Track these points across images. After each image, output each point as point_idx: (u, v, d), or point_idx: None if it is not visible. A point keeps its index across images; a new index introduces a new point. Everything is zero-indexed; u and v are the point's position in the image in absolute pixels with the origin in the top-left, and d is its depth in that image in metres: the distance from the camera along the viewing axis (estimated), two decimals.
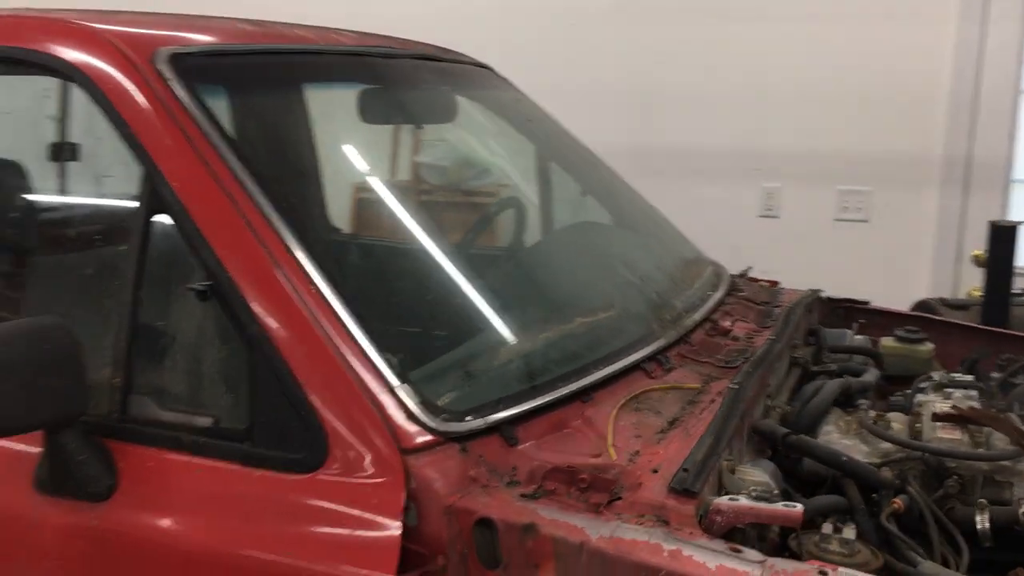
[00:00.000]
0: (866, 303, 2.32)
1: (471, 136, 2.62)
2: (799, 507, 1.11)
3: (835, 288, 2.42)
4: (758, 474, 1.22)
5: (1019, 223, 2.97)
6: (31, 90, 1.69)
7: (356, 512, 1.11)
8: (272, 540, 1.13)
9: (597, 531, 1.07)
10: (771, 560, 1.04)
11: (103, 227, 1.61)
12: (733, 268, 2.36)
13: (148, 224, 1.27)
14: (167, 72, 1.33)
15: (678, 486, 1.13)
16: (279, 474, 1.16)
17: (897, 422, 1.53)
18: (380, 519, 1.09)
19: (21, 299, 1.54)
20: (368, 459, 1.13)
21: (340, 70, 1.71)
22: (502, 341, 1.39)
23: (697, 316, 1.70)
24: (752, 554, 1.05)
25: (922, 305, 3.07)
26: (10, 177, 1.89)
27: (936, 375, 1.75)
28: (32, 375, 1.12)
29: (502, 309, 1.43)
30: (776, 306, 2.00)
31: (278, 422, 1.17)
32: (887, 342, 2.03)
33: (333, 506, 1.12)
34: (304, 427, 1.15)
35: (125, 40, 1.36)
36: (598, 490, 1.14)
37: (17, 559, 1.25)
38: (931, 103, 3.71)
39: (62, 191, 2.03)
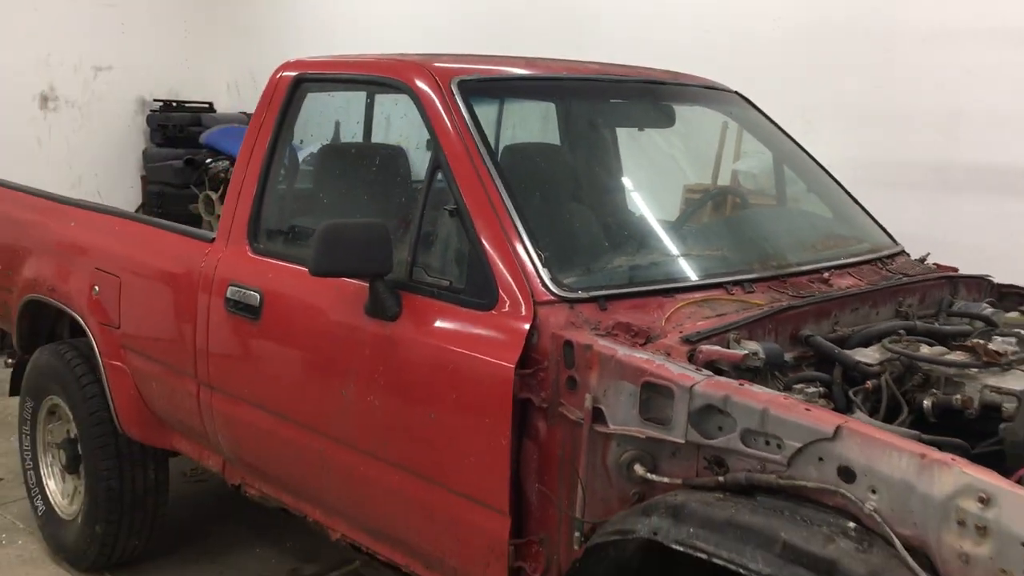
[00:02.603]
0: None
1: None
2: (743, 352, 1.80)
3: None
4: (752, 345, 1.91)
5: None
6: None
7: (506, 331, 2.01)
8: (467, 341, 2.07)
9: (623, 351, 1.86)
10: (716, 380, 1.76)
11: (414, 181, 2.68)
12: None
13: (433, 176, 2.28)
14: (455, 90, 2.34)
15: (685, 338, 1.88)
16: (475, 311, 2.10)
17: (927, 347, 2.07)
18: (516, 336, 1.98)
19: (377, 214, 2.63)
20: (516, 305, 2.03)
21: (573, 90, 2.63)
22: (617, 257, 2.22)
23: (806, 267, 2.35)
24: (707, 372, 1.78)
25: None
26: (401, 161, 3.04)
27: (1005, 329, 2.21)
28: (366, 248, 2.17)
29: (625, 242, 2.27)
30: (909, 276, 2.52)
31: (478, 284, 2.11)
32: (1011, 314, 2.45)
33: (496, 328, 2.04)
34: (489, 288, 2.08)
35: (438, 72, 2.39)
36: (640, 336, 1.93)
37: (352, 349, 2.32)
38: None
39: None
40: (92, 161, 7.14)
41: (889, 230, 2.96)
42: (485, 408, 2.00)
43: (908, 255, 2.83)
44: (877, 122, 4.58)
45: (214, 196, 6.44)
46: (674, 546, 1.65)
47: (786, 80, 4.79)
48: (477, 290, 2.11)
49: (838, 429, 1.58)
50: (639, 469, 1.82)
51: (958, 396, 1.85)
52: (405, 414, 2.20)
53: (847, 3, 4.65)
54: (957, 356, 2.00)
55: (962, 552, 1.43)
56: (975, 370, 1.92)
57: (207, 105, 7.69)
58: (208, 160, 6.65)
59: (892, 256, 2.70)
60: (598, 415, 1.87)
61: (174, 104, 7.54)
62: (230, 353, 2.74)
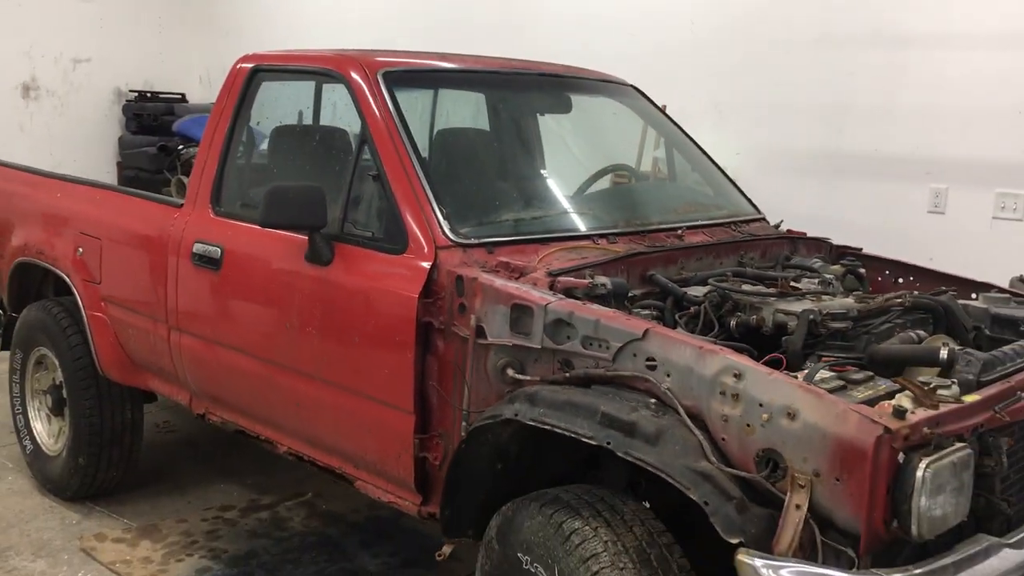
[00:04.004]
0: (860, 249, 3.26)
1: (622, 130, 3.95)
2: (586, 282, 2.35)
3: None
4: (602, 278, 2.44)
5: None
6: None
7: (413, 270, 2.55)
8: (384, 278, 2.60)
9: (500, 282, 2.40)
10: (565, 300, 2.30)
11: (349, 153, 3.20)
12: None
13: (360, 149, 2.81)
14: (380, 80, 2.87)
15: (549, 272, 2.43)
16: (390, 255, 2.63)
17: (749, 286, 2.62)
18: (420, 273, 2.52)
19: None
20: (421, 249, 2.56)
21: (482, 81, 3.17)
22: (505, 212, 2.77)
23: (664, 226, 2.90)
24: (560, 295, 2.32)
25: None
26: (342, 139, 3.55)
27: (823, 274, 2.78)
28: (305, 205, 2.69)
29: (515, 203, 2.82)
30: (755, 235, 3.08)
31: (392, 233, 2.64)
32: (834, 267, 3.01)
33: (405, 267, 2.57)
34: (402, 236, 2.61)
35: (367, 64, 2.93)
36: (515, 272, 2.47)
37: (294, 290, 2.84)
38: None
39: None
40: (71, 147, 7.61)
41: (786, 208, 3.50)
42: (396, 330, 2.54)
43: (767, 222, 3.39)
44: (777, 115, 5.16)
45: (186, 180, 6.91)
46: (529, 422, 2.20)
47: (701, 78, 5.37)
48: (392, 238, 2.65)
49: (646, 332, 2.13)
50: (510, 372, 2.36)
51: (755, 317, 2.40)
52: (336, 339, 2.73)
53: (751, 11, 5.23)
54: (765, 289, 2.56)
55: (723, 414, 1.98)
56: (773, 299, 2.47)
57: (180, 96, 8.18)
58: (180, 147, 7.13)
59: (748, 221, 3.26)
60: (480, 332, 2.40)
61: (149, 95, 8.02)
62: (196, 300, 3.26)
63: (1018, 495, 2.10)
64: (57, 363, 3.94)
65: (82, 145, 7.75)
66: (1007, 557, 1.89)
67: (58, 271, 3.87)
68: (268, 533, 3.82)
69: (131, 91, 7.99)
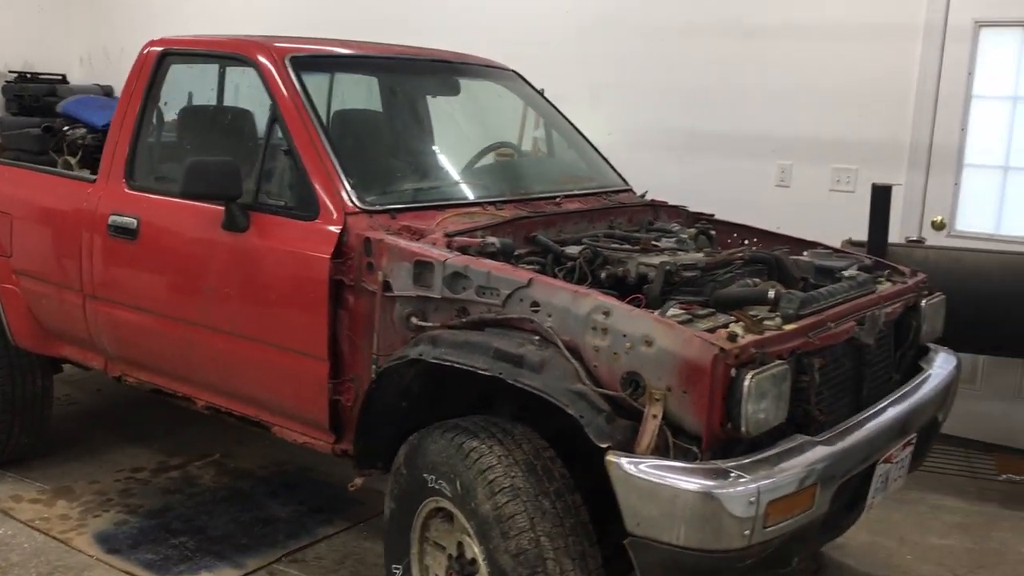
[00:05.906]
0: (712, 215, 3.75)
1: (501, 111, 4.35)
2: (478, 241, 2.73)
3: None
4: (493, 239, 2.83)
5: (894, 185, 4.18)
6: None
7: (324, 234, 2.87)
8: (298, 242, 2.91)
9: (404, 242, 2.75)
10: (461, 256, 2.67)
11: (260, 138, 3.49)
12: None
13: (271, 127, 3.10)
14: (288, 64, 3.16)
15: (446, 233, 2.80)
16: (303, 222, 2.94)
17: (616, 244, 3.04)
18: (331, 237, 2.85)
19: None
20: (331, 216, 2.89)
21: (378, 66, 3.51)
22: (405, 183, 3.13)
23: (544, 195, 3.31)
24: (457, 252, 2.69)
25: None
26: (247, 118, 3.81)
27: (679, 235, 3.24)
28: (222, 177, 2.97)
29: (414, 174, 3.18)
30: (623, 203, 3.52)
31: (304, 202, 2.96)
32: (690, 229, 3.48)
33: (318, 232, 2.89)
34: (313, 204, 2.93)
35: (275, 50, 3.22)
36: (416, 234, 2.82)
37: (212, 255, 3.12)
38: (903, 103, 4.88)
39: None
40: None
41: (652, 182, 3.94)
42: (311, 287, 2.86)
43: (633, 192, 3.85)
44: (645, 98, 5.66)
45: (72, 160, 6.93)
46: (432, 360, 2.56)
47: (578, 63, 5.81)
48: (304, 206, 2.96)
49: (530, 280, 2.52)
50: (414, 320, 2.71)
51: (621, 269, 2.83)
52: (253, 298, 3.03)
53: (623, 4, 5.70)
54: (624, 246, 2.99)
55: (594, 345, 2.39)
56: (636, 254, 2.90)
57: (61, 77, 8.12)
58: (65, 128, 7.12)
59: (617, 192, 3.70)
60: (387, 286, 2.75)
61: (29, 76, 7.94)
62: (112, 269, 3.48)
63: (829, 406, 2.60)
64: None
65: None
66: (817, 451, 2.37)
67: None
68: (181, 489, 4.07)
69: (11, 72, 7.90)
